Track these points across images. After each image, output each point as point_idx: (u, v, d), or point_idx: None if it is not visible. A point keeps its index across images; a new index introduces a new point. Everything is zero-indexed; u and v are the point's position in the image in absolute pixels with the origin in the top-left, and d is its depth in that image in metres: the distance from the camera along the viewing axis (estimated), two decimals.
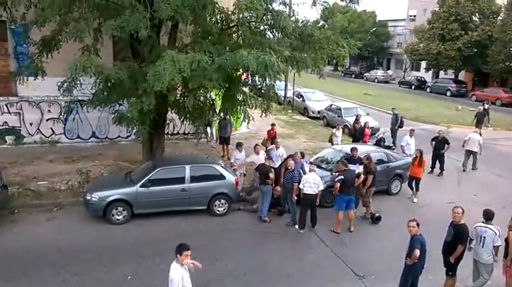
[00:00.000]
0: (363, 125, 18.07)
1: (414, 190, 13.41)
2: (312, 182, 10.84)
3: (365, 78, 55.45)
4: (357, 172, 11.58)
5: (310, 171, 11.20)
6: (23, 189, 12.40)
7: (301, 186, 10.92)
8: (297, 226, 11.10)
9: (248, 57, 9.42)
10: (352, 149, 12.73)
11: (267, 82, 12.51)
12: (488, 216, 8.14)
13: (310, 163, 12.76)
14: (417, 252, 7.27)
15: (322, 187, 11.06)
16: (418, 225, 7.45)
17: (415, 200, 13.28)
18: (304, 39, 11.73)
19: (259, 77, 11.77)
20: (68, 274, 8.58)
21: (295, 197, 11.12)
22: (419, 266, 7.50)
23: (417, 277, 7.67)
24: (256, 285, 8.54)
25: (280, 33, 12.06)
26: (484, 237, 7.97)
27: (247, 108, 12.52)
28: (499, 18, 40.19)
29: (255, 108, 12.88)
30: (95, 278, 8.53)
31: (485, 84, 41.35)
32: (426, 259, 7.61)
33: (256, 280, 8.72)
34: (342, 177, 10.87)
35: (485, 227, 8.03)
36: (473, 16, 41.45)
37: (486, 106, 26.51)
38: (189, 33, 11.94)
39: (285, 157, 12.68)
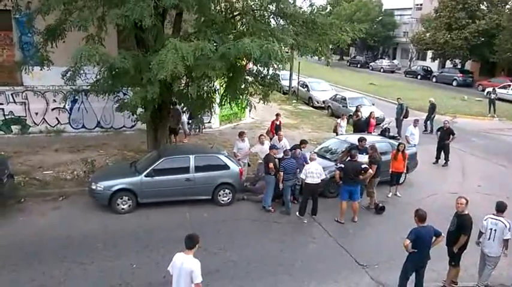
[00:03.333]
0: (365, 115, 17.97)
1: (396, 184, 12.92)
2: (315, 172, 10.85)
3: (370, 68, 55.09)
4: (363, 166, 11.35)
5: (310, 160, 11.20)
6: (29, 178, 12.49)
7: (303, 176, 10.94)
8: (297, 213, 11.19)
9: (251, 45, 9.37)
10: (360, 139, 12.64)
11: (271, 71, 12.48)
12: (499, 208, 7.98)
13: (315, 153, 12.77)
14: (405, 242, 7.23)
15: (324, 176, 11.05)
16: (418, 217, 7.36)
17: (399, 194, 12.89)
18: (308, 25, 11.66)
19: (262, 66, 11.74)
20: (74, 263, 8.66)
21: (282, 186, 11.21)
22: (418, 257, 7.43)
23: (420, 267, 7.65)
24: (260, 274, 8.58)
25: (284, 21, 11.99)
26: (495, 230, 7.85)
27: (250, 97, 12.52)
28: (508, 6, 39.70)
29: (254, 94, 12.88)
30: (100, 267, 8.61)
31: (492, 74, 40.99)
32: (428, 250, 7.57)
33: (260, 269, 8.77)
34: (342, 166, 10.86)
35: (496, 219, 7.89)
36: (481, 4, 40.98)
37: (492, 96, 26.35)
38: (193, 22, 11.89)
39: (287, 147, 12.67)
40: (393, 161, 12.61)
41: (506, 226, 7.78)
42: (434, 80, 43.38)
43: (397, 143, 13.23)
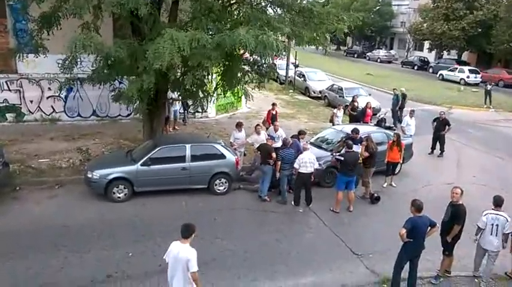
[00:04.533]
0: (361, 106, 17.98)
1: (391, 174, 12.93)
2: (308, 162, 10.88)
3: (367, 58, 55.06)
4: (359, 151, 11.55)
5: (304, 150, 11.20)
6: (24, 166, 12.44)
7: (296, 165, 10.97)
8: (292, 202, 11.28)
9: (246, 36, 9.32)
10: (353, 131, 12.70)
11: (266, 61, 12.45)
12: (497, 202, 8.00)
13: (311, 143, 12.80)
14: (401, 231, 7.26)
15: (317, 166, 11.08)
16: (414, 207, 7.39)
17: (394, 184, 12.91)
18: (305, 14, 11.60)
19: (258, 56, 11.70)
20: (70, 252, 8.67)
21: (278, 175, 11.26)
22: (413, 246, 7.47)
23: (415, 257, 7.71)
24: (256, 263, 8.64)
25: (281, 9, 11.92)
26: (497, 225, 7.87)
27: (245, 84, 12.50)
28: None
29: (251, 82, 12.85)
30: (96, 256, 8.63)
31: (488, 65, 41.03)
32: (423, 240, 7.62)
33: (256, 258, 8.83)
34: (341, 158, 10.89)
35: (497, 214, 7.90)
36: None
37: (489, 87, 26.44)
38: (189, 10, 11.79)
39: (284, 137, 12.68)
40: (389, 151, 12.67)
41: (507, 220, 7.82)
42: (431, 70, 43.40)
43: (393, 134, 13.28)
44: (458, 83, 35.68)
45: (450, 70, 38.58)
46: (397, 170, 13.34)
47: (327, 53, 12.80)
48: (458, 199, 7.92)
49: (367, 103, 17.90)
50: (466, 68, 37.66)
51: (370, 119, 17.59)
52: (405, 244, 7.52)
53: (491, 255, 8.14)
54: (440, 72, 39.54)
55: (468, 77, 36.23)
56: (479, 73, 36.64)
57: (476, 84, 35.24)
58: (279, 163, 11.16)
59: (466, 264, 8.60)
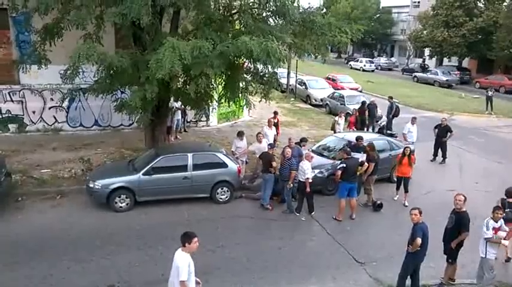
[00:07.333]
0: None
1: (404, 191, 12.11)
2: (300, 170, 10.91)
3: None
4: (360, 160, 11.59)
5: (305, 159, 11.18)
6: (27, 177, 12.45)
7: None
8: (295, 211, 11.25)
9: (251, 43, 9.37)
10: (358, 138, 12.65)
11: (269, 69, 12.49)
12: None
13: (313, 151, 12.80)
14: (419, 240, 7.25)
15: (309, 176, 10.88)
16: (420, 213, 7.39)
17: (406, 203, 11.82)
18: (307, 25, 11.66)
19: (261, 64, 11.74)
20: (72, 261, 8.66)
21: (291, 185, 11.13)
22: (421, 254, 7.49)
23: (419, 265, 7.70)
24: (258, 271, 8.61)
25: (282, 20, 11.99)
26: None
27: (248, 95, 12.52)
28: (505, 4, 39.70)
29: (255, 93, 12.86)
30: (98, 265, 8.62)
31: (489, 71, 41.05)
32: (428, 247, 7.61)
33: (258, 266, 8.80)
34: (344, 165, 10.88)
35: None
36: (478, 2, 40.99)
37: (490, 93, 26.44)
38: (191, 20, 11.88)
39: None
40: (399, 166, 12.15)
41: (484, 224, 7.68)
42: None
43: (394, 140, 13.24)
44: (359, 69, 49.47)
45: (355, 61, 53.17)
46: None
47: (325, 61, 12.74)
48: (461, 206, 7.88)
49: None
50: (364, 59, 53.65)
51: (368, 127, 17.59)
52: (413, 252, 7.48)
53: (480, 260, 7.94)
54: (350, 63, 53.50)
55: (365, 65, 50.49)
56: (373, 62, 52.12)
57: (372, 71, 49.02)
58: (294, 172, 11.04)
59: (470, 271, 8.54)
